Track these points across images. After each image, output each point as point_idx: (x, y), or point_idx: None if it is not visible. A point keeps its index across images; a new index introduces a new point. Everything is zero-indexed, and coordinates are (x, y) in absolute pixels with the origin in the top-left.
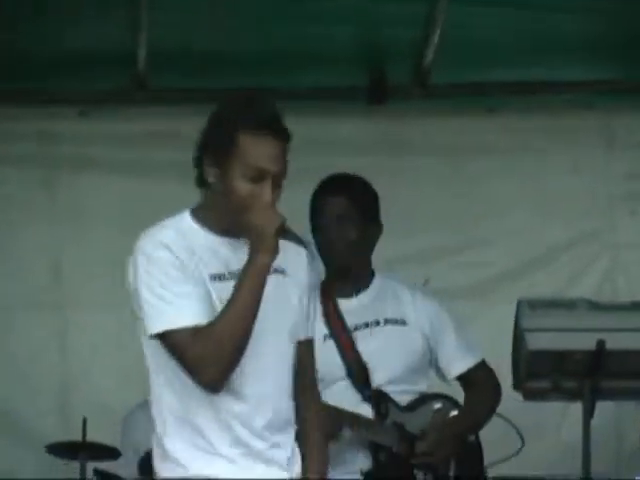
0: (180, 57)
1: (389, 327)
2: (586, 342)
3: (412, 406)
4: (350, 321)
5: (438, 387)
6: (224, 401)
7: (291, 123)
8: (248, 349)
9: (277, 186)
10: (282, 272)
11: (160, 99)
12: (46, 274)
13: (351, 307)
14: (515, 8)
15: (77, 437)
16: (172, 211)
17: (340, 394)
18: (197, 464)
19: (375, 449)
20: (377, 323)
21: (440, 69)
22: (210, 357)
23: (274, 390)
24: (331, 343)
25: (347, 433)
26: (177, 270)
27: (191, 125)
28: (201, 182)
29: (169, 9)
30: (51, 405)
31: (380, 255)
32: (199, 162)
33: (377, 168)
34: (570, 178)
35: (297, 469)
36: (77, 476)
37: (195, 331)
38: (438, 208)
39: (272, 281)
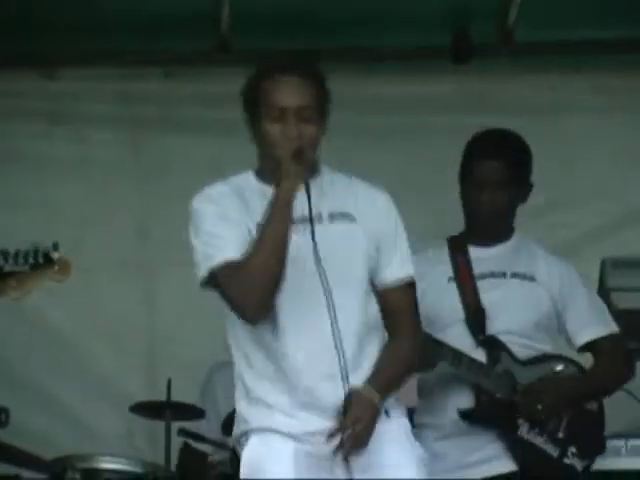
0: (263, 18)
1: (515, 281)
2: None
3: (530, 361)
4: (477, 269)
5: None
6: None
7: (377, 82)
8: (302, 295)
9: (305, 120)
10: (348, 217)
11: (243, 61)
12: (132, 235)
13: (483, 256)
14: None
15: (163, 397)
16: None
17: (456, 337)
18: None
19: (477, 391)
20: (503, 275)
21: (524, 27)
22: (246, 288)
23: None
24: (453, 286)
25: (442, 367)
26: (218, 217)
27: None
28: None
29: None
30: (137, 365)
31: None
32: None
33: (462, 127)
34: None
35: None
36: (162, 436)
37: (232, 265)
38: None
39: (335, 226)
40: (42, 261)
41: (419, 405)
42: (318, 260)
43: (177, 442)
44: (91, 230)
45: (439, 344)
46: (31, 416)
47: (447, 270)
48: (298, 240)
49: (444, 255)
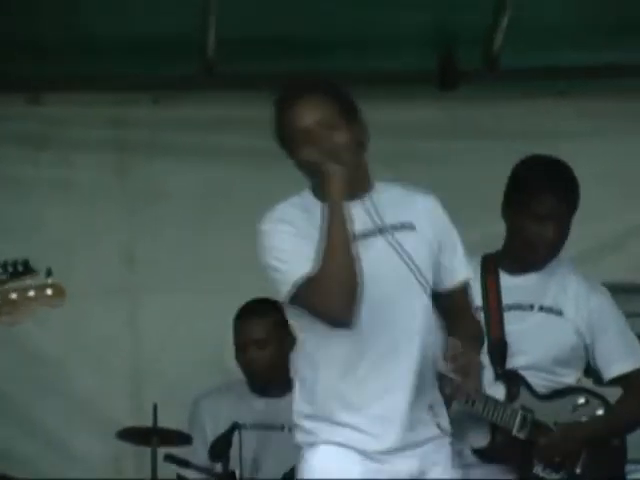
0: (249, 42)
1: (541, 314)
2: None
3: (550, 395)
4: (505, 299)
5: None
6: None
7: (363, 107)
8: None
9: (330, 128)
10: (408, 226)
11: (229, 85)
12: (118, 260)
13: (512, 285)
14: None
15: (148, 421)
16: (242, 195)
17: None
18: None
19: (493, 429)
20: (530, 307)
21: (510, 53)
22: (325, 293)
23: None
24: (480, 316)
25: (456, 406)
26: (291, 235)
27: (262, 110)
28: None
29: None
30: (123, 389)
31: None
32: None
33: (448, 152)
34: None
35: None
36: (148, 462)
37: (311, 277)
38: None
39: (399, 236)
40: (21, 269)
41: None
42: (406, 266)
43: (163, 468)
44: (77, 255)
45: (456, 385)
46: (16, 441)
47: (476, 298)
48: (375, 250)
49: (475, 275)
